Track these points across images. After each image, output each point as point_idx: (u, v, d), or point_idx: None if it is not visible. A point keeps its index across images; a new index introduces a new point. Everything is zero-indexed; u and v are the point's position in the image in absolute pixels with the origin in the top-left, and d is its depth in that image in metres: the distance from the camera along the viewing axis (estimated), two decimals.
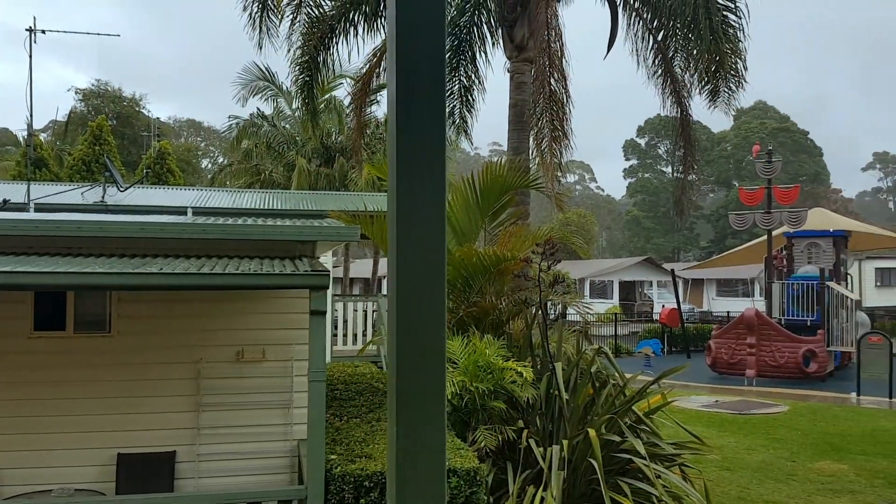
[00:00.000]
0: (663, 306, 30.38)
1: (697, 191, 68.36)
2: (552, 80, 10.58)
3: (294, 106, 24.33)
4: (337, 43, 13.09)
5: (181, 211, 9.64)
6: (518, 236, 8.09)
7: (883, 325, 25.66)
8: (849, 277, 21.72)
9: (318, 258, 6.93)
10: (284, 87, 23.98)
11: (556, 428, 6.56)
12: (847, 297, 18.27)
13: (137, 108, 47.69)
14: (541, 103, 10.60)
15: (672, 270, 29.29)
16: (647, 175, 71.21)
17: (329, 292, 11.99)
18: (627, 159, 74.01)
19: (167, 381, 6.52)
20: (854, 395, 15.42)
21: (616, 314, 29.95)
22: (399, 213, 0.82)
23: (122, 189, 12.07)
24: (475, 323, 7.75)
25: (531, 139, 11.76)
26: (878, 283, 37.55)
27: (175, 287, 5.60)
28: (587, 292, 39.36)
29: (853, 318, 18.30)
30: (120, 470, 6.28)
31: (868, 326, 19.34)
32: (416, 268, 0.82)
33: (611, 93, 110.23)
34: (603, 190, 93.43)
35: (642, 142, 72.00)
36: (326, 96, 24.89)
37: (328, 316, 12.08)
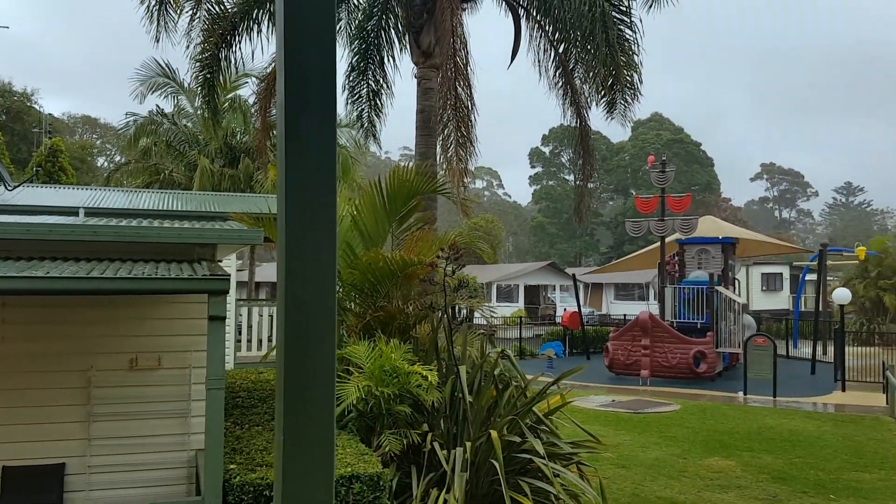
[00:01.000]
0: (565, 309, 31.43)
1: (597, 198, 71.42)
2: (458, 87, 10.74)
3: (196, 104, 23.50)
4: (240, 41, 12.74)
5: (72, 211, 9.12)
6: (425, 241, 8.15)
7: (769, 327, 27.66)
8: (736, 282, 23.27)
9: (219, 261, 6.72)
10: (186, 84, 23.10)
11: (460, 430, 6.65)
12: (734, 301, 19.56)
13: (29, 104, 44.91)
14: (448, 110, 10.73)
15: (573, 275, 30.37)
16: (551, 182, 73.49)
17: (232, 297, 11.61)
18: (533, 167, 76.13)
19: (56, 390, 6.14)
20: (741, 394, 16.50)
21: (521, 317, 30.69)
22: (288, 217, 0.81)
23: (9, 188, 11.28)
24: (382, 327, 7.73)
25: (438, 145, 11.88)
26: (764, 288, 40.26)
27: (62, 292, 5.29)
28: (494, 296, 40.10)
29: (740, 321, 19.62)
30: (4, 484, 5.87)
31: (754, 329, 20.81)
32: (306, 273, 0.81)
33: (519, 100, 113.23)
34: (510, 196, 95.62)
35: (547, 150, 74.26)
36: (230, 95, 24.22)
37: (232, 321, 11.75)
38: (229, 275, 5.62)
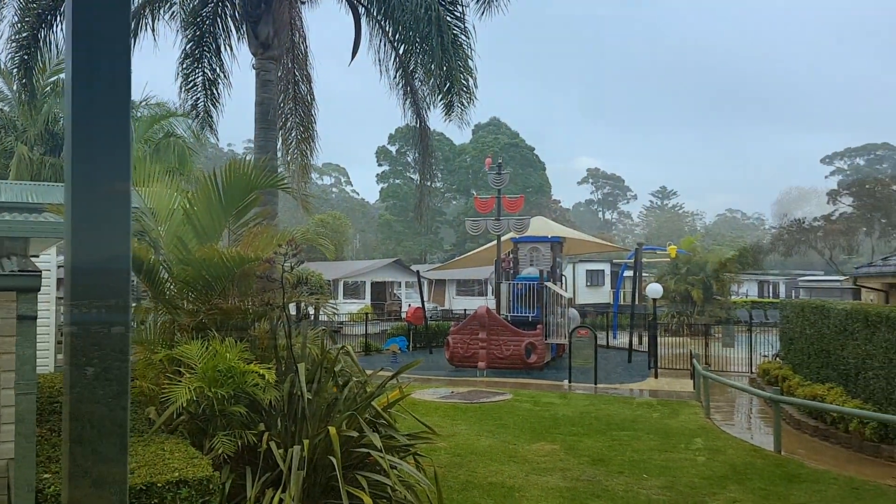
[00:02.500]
0: (409, 305, 31.92)
1: (441, 197, 73.13)
2: (298, 80, 10.57)
3: (14, 87, 21.22)
4: (62, 21, 11.64)
5: None
6: (263, 236, 7.93)
7: (592, 320, 29.92)
8: (563, 278, 24.96)
9: (35, 256, 6.12)
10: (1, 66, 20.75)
11: (299, 428, 6.59)
12: (561, 296, 20.99)
13: None
14: (288, 103, 10.53)
15: (417, 272, 30.90)
16: (397, 181, 74.13)
17: (52, 294, 10.55)
18: (380, 165, 76.34)
19: None
20: (566, 382, 17.76)
21: (367, 314, 30.74)
22: (75, 211, 0.76)
23: None
24: (217, 326, 7.44)
25: (279, 138, 11.61)
26: (589, 283, 43.32)
27: None
28: (341, 293, 39.75)
29: (566, 314, 21.09)
30: None
31: (578, 321, 22.45)
32: (96, 270, 0.77)
33: (368, 99, 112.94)
34: (358, 193, 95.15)
35: (393, 149, 74.81)
36: (53, 79, 22.22)
37: (51, 321, 10.68)
38: (40, 271, 5.14)
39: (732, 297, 37.53)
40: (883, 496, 8.58)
